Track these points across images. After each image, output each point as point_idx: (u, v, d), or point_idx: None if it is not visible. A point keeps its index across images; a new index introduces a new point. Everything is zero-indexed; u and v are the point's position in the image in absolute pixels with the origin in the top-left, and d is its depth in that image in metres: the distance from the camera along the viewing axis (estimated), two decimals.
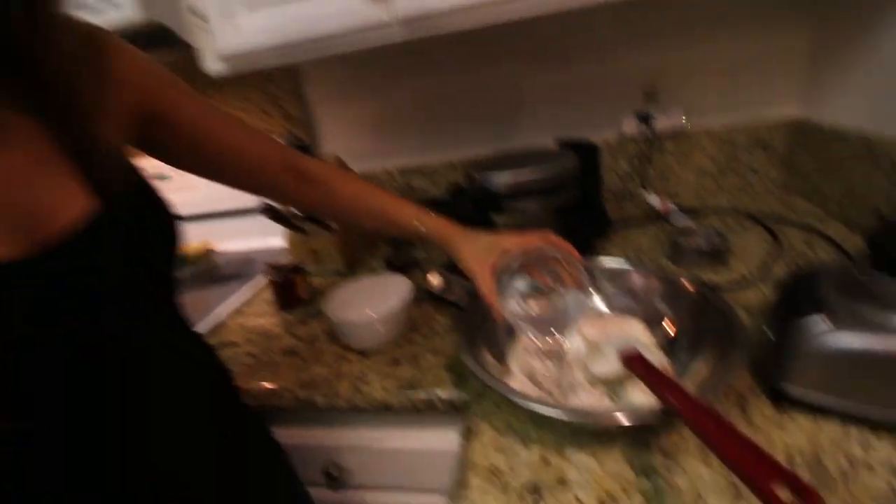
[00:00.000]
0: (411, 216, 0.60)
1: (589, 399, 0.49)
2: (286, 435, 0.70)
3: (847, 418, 0.42)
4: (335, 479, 0.70)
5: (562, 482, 0.42)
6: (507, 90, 1.04)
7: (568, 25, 0.95)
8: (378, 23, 0.73)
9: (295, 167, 0.59)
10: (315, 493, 0.72)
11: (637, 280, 0.60)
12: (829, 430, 0.42)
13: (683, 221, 0.86)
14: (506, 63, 1.02)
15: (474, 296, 0.62)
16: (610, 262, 0.63)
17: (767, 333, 0.48)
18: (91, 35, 0.42)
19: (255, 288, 0.99)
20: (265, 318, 0.86)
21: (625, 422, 0.40)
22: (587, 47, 0.97)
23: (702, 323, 0.52)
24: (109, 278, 0.38)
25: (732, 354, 0.44)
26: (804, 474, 0.38)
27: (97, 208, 0.37)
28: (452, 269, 0.79)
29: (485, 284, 0.53)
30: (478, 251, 0.55)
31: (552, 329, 0.52)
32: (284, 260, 0.91)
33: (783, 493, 0.25)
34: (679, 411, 0.36)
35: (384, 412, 0.62)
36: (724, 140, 0.97)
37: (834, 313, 0.42)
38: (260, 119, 1.18)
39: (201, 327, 0.85)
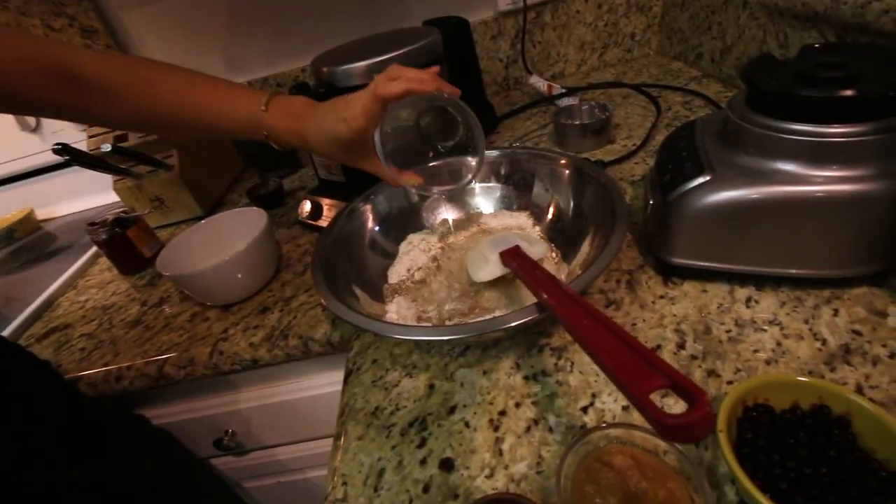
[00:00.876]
0: (245, 121, 0.46)
1: (479, 309, 0.43)
2: (166, 413, 0.61)
3: (733, 278, 0.40)
4: (231, 447, 0.62)
5: (450, 409, 0.37)
6: None
7: None
8: None
9: (58, 68, 0.43)
10: (217, 463, 0.66)
11: (516, 168, 0.53)
12: (716, 294, 0.40)
13: (567, 101, 0.80)
14: None
15: (341, 216, 0.52)
16: (491, 153, 0.55)
17: (648, 201, 0.44)
18: None
19: (94, 255, 0.80)
20: (104, 288, 0.70)
21: (507, 325, 0.34)
22: None
23: (585, 202, 0.47)
24: None
25: (616, 231, 0.39)
26: (695, 347, 0.36)
27: None
28: (324, 189, 0.67)
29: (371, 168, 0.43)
30: (331, 121, 0.43)
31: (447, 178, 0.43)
32: (112, 214, 0.73)
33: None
34: (552, 308, 0.31)
35: (261, 367, 0.53)
36: (602, 5, 0.89)
37: (713, 171, 0.37)
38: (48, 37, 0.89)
39: (26, 315, 0.67)
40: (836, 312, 0.36)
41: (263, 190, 0.78)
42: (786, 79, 0.35)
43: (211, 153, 0.86)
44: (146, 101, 0.46)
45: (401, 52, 0.58)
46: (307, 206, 0.66)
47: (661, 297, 0.41)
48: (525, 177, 0.53)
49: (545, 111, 0.81)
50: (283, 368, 0.56)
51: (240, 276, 0.56)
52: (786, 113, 0.35)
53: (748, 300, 0.38)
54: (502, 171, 0.53)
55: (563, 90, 0.81)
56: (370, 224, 0.52)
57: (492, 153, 0.54)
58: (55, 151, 0.64)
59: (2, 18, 0.87)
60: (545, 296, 0.32)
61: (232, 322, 0.55)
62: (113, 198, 0.88)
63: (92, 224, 0.67)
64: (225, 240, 0.60)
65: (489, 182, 0.54)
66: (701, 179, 0.37)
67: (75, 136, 0.90)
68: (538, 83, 0.85)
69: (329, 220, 0.65)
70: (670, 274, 0.42)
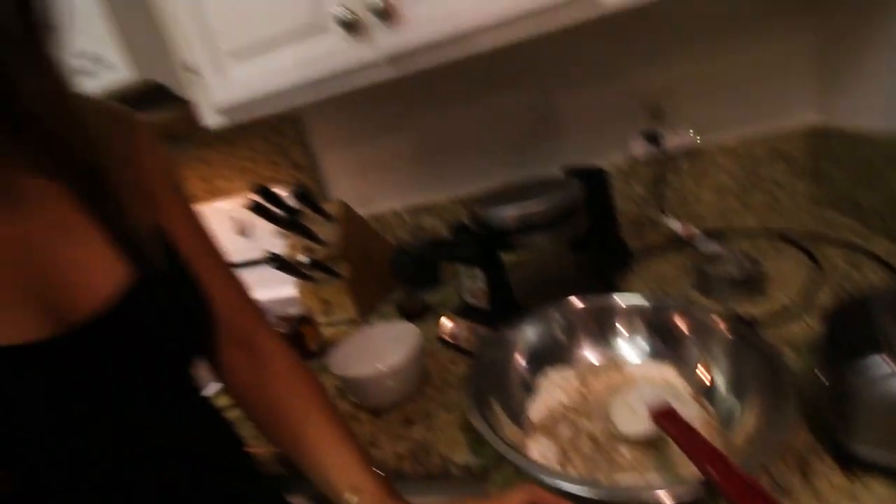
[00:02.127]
0: (345, 485, 0.44)
1: (621, 464, 0.43)
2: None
3: None
4: None
5: None
6: (509, 120, 1.02)
7: (561, 48, 0.93)
8: (364, 62, 0.72)
9: (243, 337, 0.49)
10: None
11: (663, 318, 0.55)
12: None
13: (710, 247, 0.81)
14: (504, 92, 1.00)
15: (488, 343, 0.58)
16: (630, 299, 0.58)
17: (820, 378, 0.42)
18: (120, 116, 0.42)
19: None
20: None
21: (664, 501, 0.34)
22: (584, 70, 0.94)
23: (742, 366, 0.46)
24: (138, 358, 0.35)
25: (783, 405, 0.38)
26: None
27: (132, 280, 0.35)
28: (466, 312, 0.75)
29: None
30: None
31: None
32: (294, 310, 0.88)
33: None
34: (720, 487, 0.30)
35: (397, 479, 0.57)
36: (740, 155, 0.92)
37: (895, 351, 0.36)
38: (268, 169, 1.18)
39: (210, 388, 0.82)
40: None
41: (410, 305, 0.88)
42: None
43: (376, 268, 1.01)
44: (284, 418, 0.49)
45: (547, 200, 0.67)
46: (448, 326, 0.73)
47: (842, 492, 0.37)
48: (673, 329, 0.54)
49: (683, 254, 0.83)
50: (417, 484, 0.59)
51: (393, 385, 0.63)
52: None
53: None
54: (649, 321, 0.55)
55: (704, 235, 0.83)
56: (515, 354, 0.57)
57: (639, 301, 0.56)
58: (268, 259, 0.83)
59: (244, 154, 1.19)
60: (712, 471, 0.32)
61: (381, 428, 0.61)
62: (275, 293, 1.07)
63: (282, 318, 0.82)
64: (383, 349, 0.68)
65: (635, 330, 0.56)
66: (884, 363, 0.36)
67: (271, 243, 1.14)
68: (675, 225, 0.87)
69: (467, 341, 0.72)
70: (852, 464, 0.39)
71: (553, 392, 0.54)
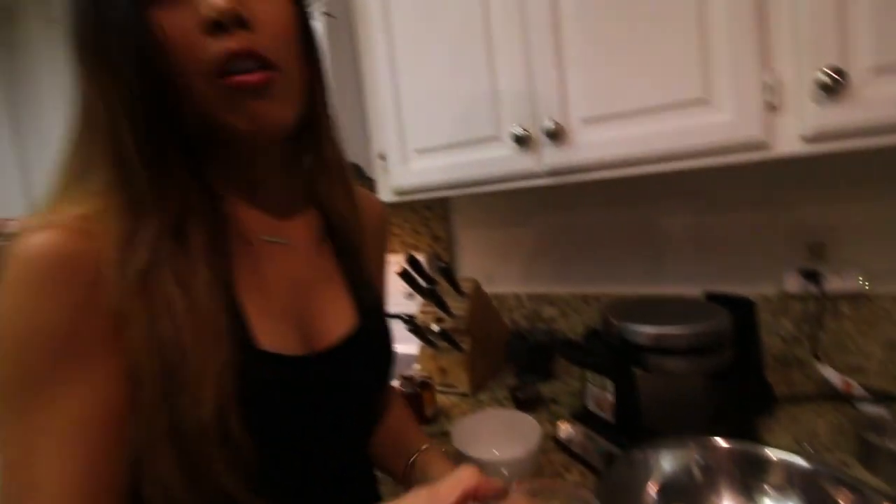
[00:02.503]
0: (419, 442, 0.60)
1: None
2: None
3: None
4: None
5: None
6: (650, 231, 1.04)
7: (722, 171, 0.94)
8: (528, 171, 0.81)
9: None
10: None
11: (820, 488, 0.50)
12: None
13: (873, 409, 0.72)
14: (651, 203, 1.03)
15: (621, 461, 0.57)
16: (785, 455, 0.54)
17: None
18: (374, 202, 0.60)
19: None
20: None
21: None
22: (742, 192, 0.94)
23: None
24: (348, 387, 0.46)
25: None
26: None
27: (357, 326, 0.47)
28: (586, 418, 0.75)
29: None
30: None
31: None
32: (413, 370, 0.96)
33: None
34: None
35: None
36: None
37: None
38: (411, 237, 1.33)
39: None
40: None
41: (523, 392, 0.91)
42: None
43: (493, 347, 1.06)
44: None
45: (691, 326, 0.67)
46: (567, 430, 0.74)
47: None
48: (827, 500, 0.49)
49: (839, 410, 0.75)
50: None
51: (507, 474, 0.65)
52: None
53: None
54: (803, 486, 0.51)
55: (868, 394, 0.74)
56: (649, 483, 0.55)
57: (795, 460, 0.52)
58: (404, 320, 0.92)
59: (395, 221, 1.35)
60: None
61: None
62: (405, 349, 1.15)
63: (405, 377, 0.90)
64: (504, 435, 0.71)
65: (785, 494, 0.52)
66: None
67: (401, 303, 1.25)
68: (830, 374, 0.80)
69: (582, 447, 0.72)
70: None
71: None
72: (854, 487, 0.48)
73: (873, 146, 0.59)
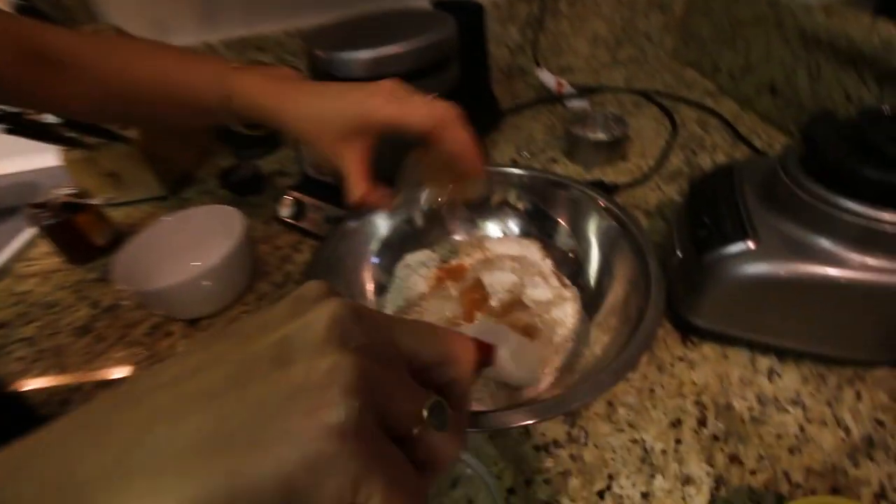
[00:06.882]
0: (211, 80, 0.40)
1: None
2: None
3: (754, 346, 0.38)
4: None
5: (452, 482, 0.34)
6: None
7: None
8: None
9: (30, 48, 0.39)
10: None
11: (530, 191, 0.49)
12: (737, 362, 0.38)
13: (578, 103, 0.75)
14: None
15: (334, 222, 0.46)
16: (503, 171, 0.49)
17: (676, 251, 0.41)
18: None
19: (33, 232, 0.70)
20: (48, 279, 0.61)
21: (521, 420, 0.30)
22: None
23: (607, 242, 0.44)
24: None
25: (651, 307, 0.35)
26: (716, 426, 0.34)
27: None
28: (310, 187, 0.61)
29: (353, 165, 0.37)
30: (330, 119, 0.37)
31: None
32: (66, 190, 0.63)
33: None
34: None
35: None
36: (622, 2, 0.83)
37: (758, 238, 0.34)
38: None
39: None
40: (858, 396, 0.35)
41: (237, 175, 0.70)
42: (850, 148, 0.32)
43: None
44: (116, 77, 0.41)
45: (412, 42, 0.51)
46: (289, 205, 0.59)
47: (680, 358, 0.39)
48: (538, 202, 0.48)
49: (553, 111, 0.76)
50: None
51: (210, 289, 0.49)
52: (844, 187, 0.32)
53: (770, 372, 0.37)
54: (513, 193, 0.49)
55: (574, 91, 0.76)
56: (368, 245, 0.47)
57: (503, 171, 0.49)
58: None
59: None
60: None
61: None
62: (51, 161, 0.77)
63: (35, 206, 0.58)
64: (194, 243, 0.53)
65: (498, 203, 0.49)
66: (743, 246, 0.34)
67: None
68: (547, 78, 0.79)
69: (313, 222, 0.60)
70: (689, 332, 0.40)
71: (412, 280, 0.47)
72: (559, 182, 0.47)
73: None
